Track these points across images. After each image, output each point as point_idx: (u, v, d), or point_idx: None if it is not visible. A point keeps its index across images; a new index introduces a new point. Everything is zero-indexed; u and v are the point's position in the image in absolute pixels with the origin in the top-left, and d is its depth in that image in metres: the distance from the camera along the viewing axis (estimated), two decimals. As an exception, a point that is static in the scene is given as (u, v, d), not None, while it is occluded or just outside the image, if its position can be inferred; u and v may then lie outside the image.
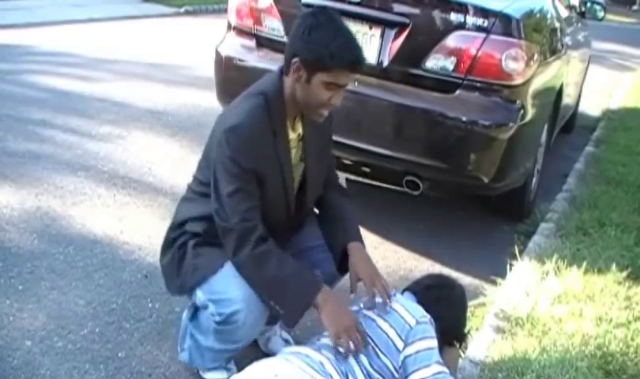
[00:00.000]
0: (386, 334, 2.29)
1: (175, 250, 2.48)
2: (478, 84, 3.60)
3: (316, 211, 2.73)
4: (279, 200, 2.44)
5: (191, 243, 2.43)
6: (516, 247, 3.85)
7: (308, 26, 2.25)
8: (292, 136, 2.45)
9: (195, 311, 2.56)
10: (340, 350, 2.20)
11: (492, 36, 3.55)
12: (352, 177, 4.17)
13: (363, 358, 2.25)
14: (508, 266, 3.64)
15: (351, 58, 2.23)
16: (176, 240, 2.49)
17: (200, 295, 2.40)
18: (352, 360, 2.23)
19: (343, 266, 2.53)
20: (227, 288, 2.32)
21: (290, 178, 2.46)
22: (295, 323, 2.33)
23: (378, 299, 2.37)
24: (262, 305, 2.34)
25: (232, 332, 2.36)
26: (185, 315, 2.66)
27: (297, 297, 2.27)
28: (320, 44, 2.21)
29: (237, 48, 4.24)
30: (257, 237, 2.26)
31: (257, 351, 2.72)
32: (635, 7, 29.48)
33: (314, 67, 2.24)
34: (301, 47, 2.26)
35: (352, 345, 2.19)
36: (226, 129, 2.27)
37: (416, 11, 3.68)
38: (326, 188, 2.70)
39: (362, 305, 2.44)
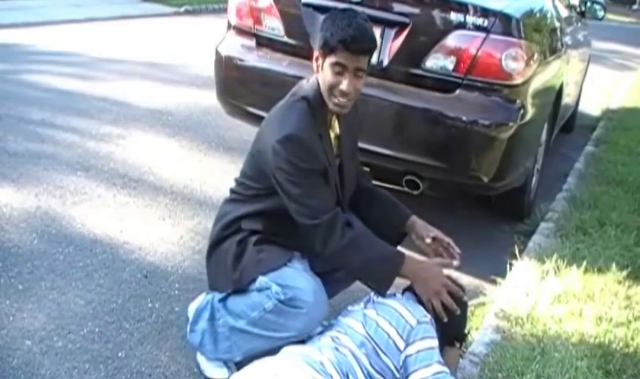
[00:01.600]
0: (387, 334, 2.30)
1: (231, 246, 2.54)
2: (478, 84, 3.59)
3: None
4: (334, 196, 2.56)
5: (252, 239, 2.52)
6: (516, 247, 3.85)
7: (325, 19, 2.45)
8: (332, 135, 2.58)
9: (226, 296, 2.58)
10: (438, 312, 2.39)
11: (492, 36, 3.55)
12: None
13: (364, 358, 2.26)
14: (508, 266, 3.65)
15: (344, 34, 2.34)
16: (229, 237, 2.57)
17: (262, 279, 2.45)
18: (352, 360, 2.23)
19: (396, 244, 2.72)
20: (296, 280, 2.42)
21: (336, 177, 2.57)
22: (387, 290, 2.46)
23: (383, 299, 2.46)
24: (326, 307, 2.49)
25: (289, 316, 2.41)
26: (205, 297, 2.67)
27: (386, 273, 2.44)
28: (327, 29, 2.39)
29: (237, 48, 4.24)
30: (341, 225, 2.39)
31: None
32: (635, 7, 29.49)
33: (324, 51, 2.42)
34: (318, 39, 2.44)
35: (443, 307, 2.40)
36: (280, 139, 2.38)
37: (416, 10, 3.68)
38: (363, 180, 2.87)
39: (362, 305, 2.45)
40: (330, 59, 2.39)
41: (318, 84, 2.49)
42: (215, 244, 2.63)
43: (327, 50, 2.39)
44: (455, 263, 2.61)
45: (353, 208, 2.76)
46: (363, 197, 2.81)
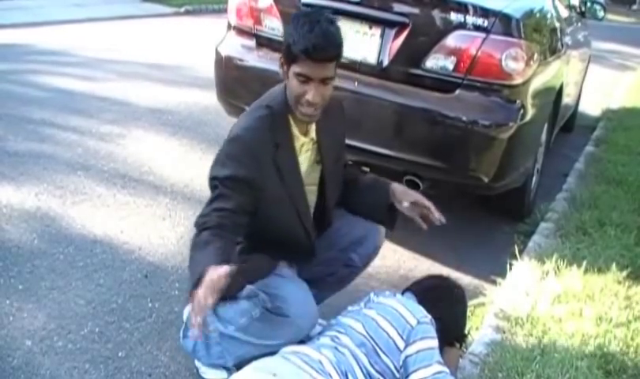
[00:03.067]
0: (387, 333, 2.29)
1: None
2: (478, 84, 3.60)
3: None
4: (286, 210, 2.46)
5: (237, 249, 2.44)
6: (516, 247, 3.85)
7: (291, 21, 2.32)
8: (304, 140, 2.48)
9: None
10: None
11: (492, 36, 3.55)
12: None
13: (363, 358, 2.26)
14: (508, 266, 3.64)
15: (306, 44, 2.20)
16: None
17: (250, 287, 2.41)
18: (351, 359, 2.23)
19: (390, 220, 2.70)
20: (283, 288, 2.39)
21: (296, 187, 2.48)
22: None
23: (386, 293, 2.47)
24: (314, 315, 2.44)
25: (276, 324, 2.38)
26: None
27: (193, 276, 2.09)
28: (290, 35, 2.26)
29: (237, 48, 4.24)
30: (202, 228, 2.23)
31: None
32: (635, 7, 29.49)
33: (287, 58, 2.30)
34: (283, 43, 2.34)
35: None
36: (227, 140, 2.36)
37: (416, 11, 3.68)
38: (347, 176, 2.76)
39: (362, 305, 2.45)
40: (294, 69, 2.27)
41: (286, 89, 2.39)
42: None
43: (290, 58, 2.28)
44: (437, 223, 2.57)
45: (343, 204, 2.73)
46: (349, 191, 2.74)
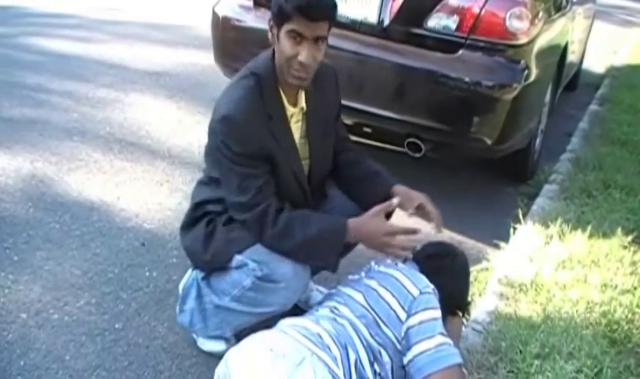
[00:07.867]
0: (389, 304, 2.24)
1: (201, 227, 2.45)
2: (481, 44, 3.52)
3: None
4: (290, 181, 2.41)
5: (222, 219, 2.41)
6: (519, 210, 3.79)
7: None
8: (294, 110, 2.40)
9: (209, 274, 2.50)
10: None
11: (496, -6, 3.47)
12: (353, 138, 4.09)
13: (364, 329, 2.21)
14: (511, 229, 3.59)
15: (300, 1, 2.12)
16: (200, 219, 2.47)
17: (238, 257, 2.36)
18: (351, 331, 2.18)
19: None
20: (272, 254, 2.32)
21: (295, 158, 2.42)
22: (337, 267, 2.38)
23: (387, 262, 2.42)
24: (306, 276, 2.39)
25: (269, 291, 2.34)
26: (191, 274, 2.59)
27: (330, 245, 2.31)
28: None
29: (234, 8, 4.15)
30: (272, 214, 2.26)
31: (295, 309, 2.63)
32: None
33: (278, 19, 2.22)
34: (272, 6, 2.25)
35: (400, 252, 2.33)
36: (218, 118, 2.26)
37: (418, -32, 3.58)
38: (344, 155, 2.66)
39: (363, 275, 2.40)
40: (286, 27, 2.18)
41: (274, 56, 2.31)
42: (185, 226, 2.54)
43: (282, 17, 2.18)
44: (433, 231, 2.49)
45: (338, 184, 2.66)
46: (346, 172, 2.65)
